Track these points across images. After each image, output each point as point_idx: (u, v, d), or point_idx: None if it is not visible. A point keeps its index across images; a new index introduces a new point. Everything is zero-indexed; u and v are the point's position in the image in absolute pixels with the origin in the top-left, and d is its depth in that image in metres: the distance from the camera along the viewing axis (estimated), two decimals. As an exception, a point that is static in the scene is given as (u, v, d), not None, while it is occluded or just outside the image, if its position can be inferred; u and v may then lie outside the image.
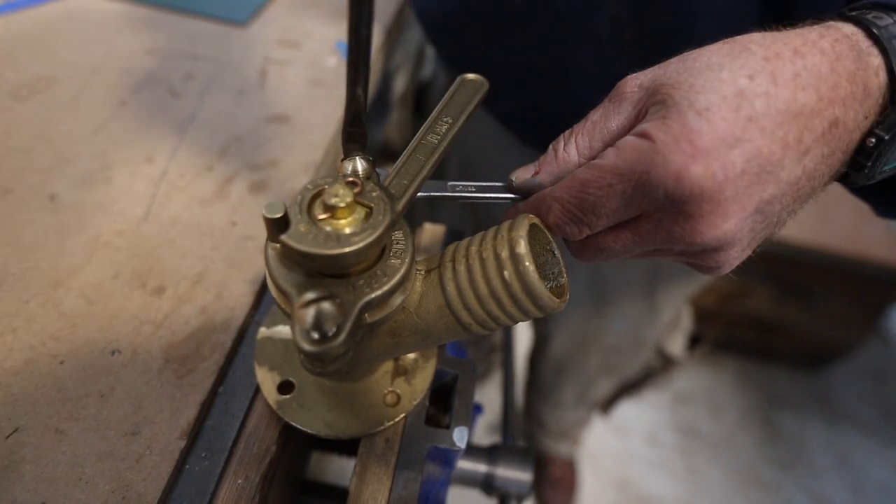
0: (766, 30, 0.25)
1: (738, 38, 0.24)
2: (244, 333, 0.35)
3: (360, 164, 0.25)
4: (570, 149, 0.26)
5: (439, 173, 0.70)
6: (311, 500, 0.40)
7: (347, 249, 0.22)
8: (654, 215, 0.24)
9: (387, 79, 0.63)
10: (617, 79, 0.27)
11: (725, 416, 1.44)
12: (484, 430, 1.15)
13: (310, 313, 0.21)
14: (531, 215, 0.26)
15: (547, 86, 0.47)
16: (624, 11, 0.40)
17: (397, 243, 0.25)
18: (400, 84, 0.69)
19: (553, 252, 0.27)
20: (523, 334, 1.30)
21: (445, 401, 0.37)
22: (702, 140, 0.21)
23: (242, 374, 0.34)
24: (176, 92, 0.49)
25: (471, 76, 0.30)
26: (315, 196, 0.23)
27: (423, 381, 0.34)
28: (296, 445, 0.35)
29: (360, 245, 0.22)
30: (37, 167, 0.41)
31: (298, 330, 0.21)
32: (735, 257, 0.24)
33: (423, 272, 0.27)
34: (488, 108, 0.53)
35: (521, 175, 0.28)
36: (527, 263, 0.23)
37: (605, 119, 0.26)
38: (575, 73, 0.45)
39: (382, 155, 0.96)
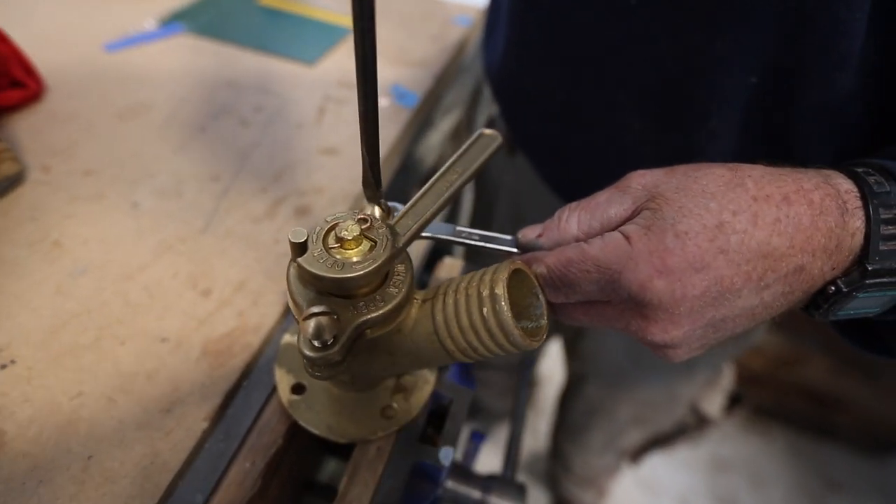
0: (772, 163, 0.27)
1: (740, 168, 0.26)
2: (271, 337, 0.40)
3: (377, 210, 0.29)
4: (572, 221, 0.29)
5: (488, 203, 0.74)
6: (313, 499, 0.44)
7: (349, 275, 0.26)
8: (619, 306, 0.27)
9: (433, 118, 0.68)
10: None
11: (771, 492, 1.33)
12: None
13: (311, 324, 0.25)
14: (517, 261, 0.29)
15: (573, 159, 0.51)
16: (649, 133, 0.44)
17: (398, 274, 0.29)
18: (448, 123, 0.74)
19: (537, 296, 0.29)
20: (555, 372, 1.29)
21: (443, 423, 0.39)
22: (672, 260, 0.24)
23: (264, 373, 0.38)
24: (246, 122, 0.56)
25: (487, 131, 0.34)
26: (331, 228, 0.28)
27: (419, 399, 0.37)
28: (303, 444, 0.39)
29: (361, 272, 0.26)
30: (127, 178, 0.49)
31: (302, 337, 0.25)
32: (681, 355, 0.27)
33: (419, 301, 0.30)
34: (531, 156, 0.57)
35: (527, 234, 0.32)
36: (502, 303, 0.26)
37: (607, 204, 0.28)
38: (599, 160, 0.49)
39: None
